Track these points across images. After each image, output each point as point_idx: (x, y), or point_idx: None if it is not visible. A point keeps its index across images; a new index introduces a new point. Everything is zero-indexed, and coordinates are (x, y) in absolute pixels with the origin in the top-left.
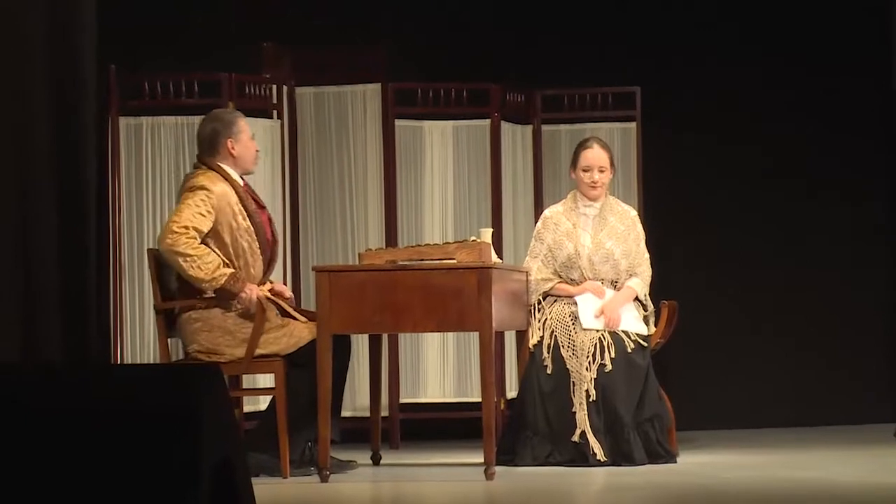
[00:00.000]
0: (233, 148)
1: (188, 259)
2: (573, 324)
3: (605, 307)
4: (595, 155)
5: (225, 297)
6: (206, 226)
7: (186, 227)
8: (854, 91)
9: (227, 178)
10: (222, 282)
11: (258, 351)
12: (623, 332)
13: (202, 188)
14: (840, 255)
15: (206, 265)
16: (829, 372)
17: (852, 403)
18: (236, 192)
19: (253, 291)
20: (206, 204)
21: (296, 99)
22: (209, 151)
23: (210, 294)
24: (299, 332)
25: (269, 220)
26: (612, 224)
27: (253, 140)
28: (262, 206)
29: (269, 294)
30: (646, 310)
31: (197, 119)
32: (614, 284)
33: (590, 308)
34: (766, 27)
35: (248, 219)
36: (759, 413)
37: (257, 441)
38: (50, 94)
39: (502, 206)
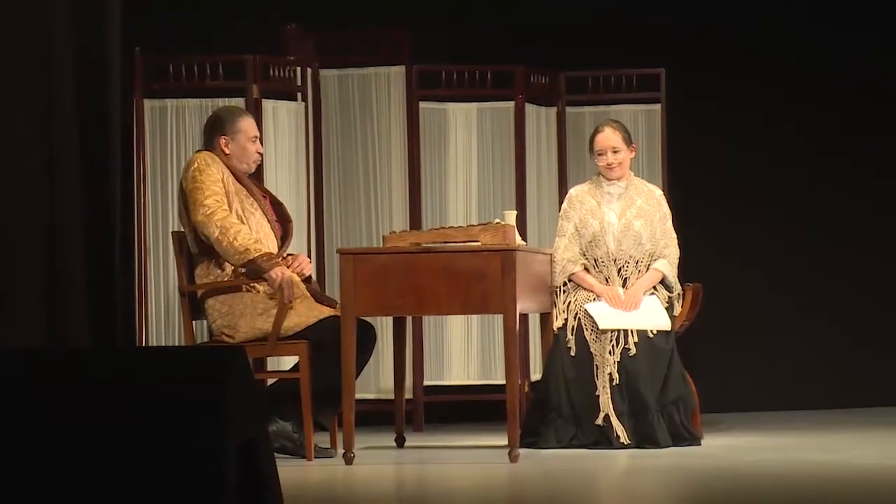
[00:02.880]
0: (226, 146)
1: (226, 231)
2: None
3: (628, 291)
4: (605, 137)
5: (253, 271)
6: (224, 197)
7: (218, 200)
8: (887, 67)
9: (225, 163)
10: (254, 256)
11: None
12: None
13: (205, 164)
14: (865, 232)
15: (241, 237)
16: (856, 353)
17: (879, 385)
18: (233, 174)
19: (281, 276)
20: (214, 177)
21: (320, 81)
22: (206, 144)
23: (229, 277)
24: (319, 307)
25: (273, 203)
26: (639, 205)
27: (255, 142)
28: (264, 193)
29: (294, 275)
30: (671, 291)
31: (221, 102)
32: (637, 263)
33: (604, 310)
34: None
35: (250, 195)
36: (784, 395)
37: (277, 408)
38: (75, 77)
39: (526, 189)
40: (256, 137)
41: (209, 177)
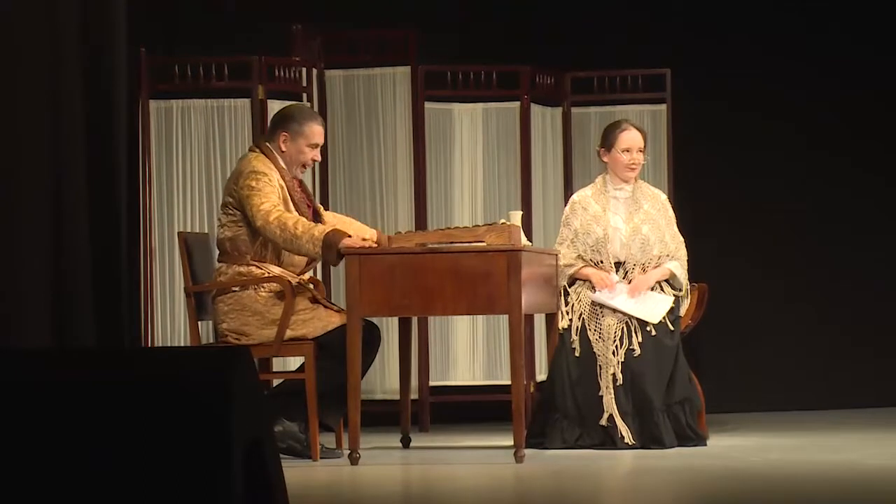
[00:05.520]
0: (284, 142)
1: (286, 229)
2: (600, 308)
3: (636, 279)
4: (633, 137)
5: (330, 246)
6: (280, 199)
7: (276, 204)
8: (887, 67)
9: (276, 164)
10: (316, 233)
11: (288, 333)
12: (644, 321)
13: (261, 173)
14: (865, 232)
15: (301, 225)
16: (861, 354)
17: (885, 385)
18: (283, 179)
19: (354, 243)
20: (270, 183)
21: (325, 81)
22: (269, 135)
23: (242, 278)
24: (328, 317)
25: (315, 214)
26: (646, 209)
27: (314, 150)
28: (309, 203)
29: (302, 280)
30: (680, 291)
31: (227, 102)
32: (644, 268)
33: (606, 293)
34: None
35: (293, 207)
36: (789, 395)
37: (284, 409)
38: (81, 78)
39: (532, 189)
40: (317, 145)
41: (269, 184)
